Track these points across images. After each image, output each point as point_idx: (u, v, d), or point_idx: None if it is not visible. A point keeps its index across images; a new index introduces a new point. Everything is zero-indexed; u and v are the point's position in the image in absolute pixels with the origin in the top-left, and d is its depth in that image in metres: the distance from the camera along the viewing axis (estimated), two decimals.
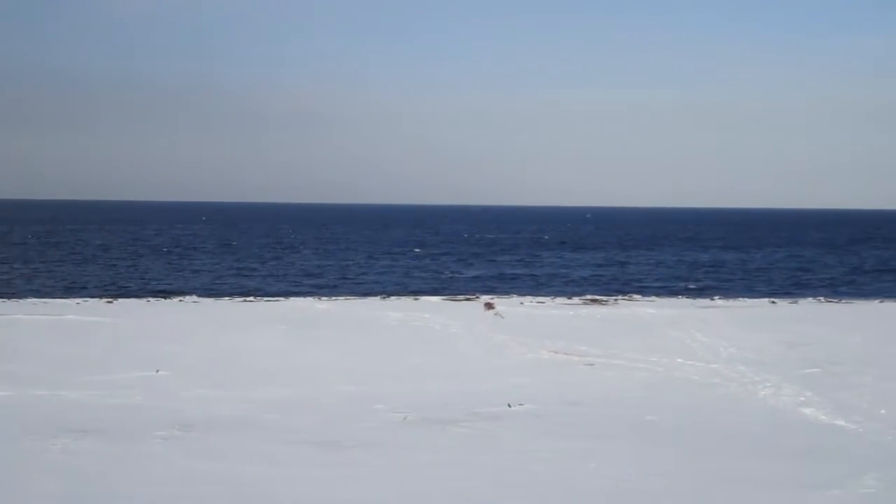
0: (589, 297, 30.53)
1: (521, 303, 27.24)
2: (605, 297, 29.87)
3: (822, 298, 33.26)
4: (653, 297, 31.65)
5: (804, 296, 35.57)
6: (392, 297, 29.79)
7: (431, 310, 24.52)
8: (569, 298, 29.83)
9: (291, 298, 29.36)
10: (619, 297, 30.75)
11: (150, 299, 29.21)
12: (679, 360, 17.88)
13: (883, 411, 13.71)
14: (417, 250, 74.39)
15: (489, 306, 25.43)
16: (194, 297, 29.51)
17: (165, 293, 34.83)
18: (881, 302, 32.34)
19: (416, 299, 28.47)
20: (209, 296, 32.03)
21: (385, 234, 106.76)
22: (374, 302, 27.52)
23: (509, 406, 13.81)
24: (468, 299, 28.10)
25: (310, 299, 28.98)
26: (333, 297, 29.81)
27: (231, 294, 33.74)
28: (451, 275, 51.53)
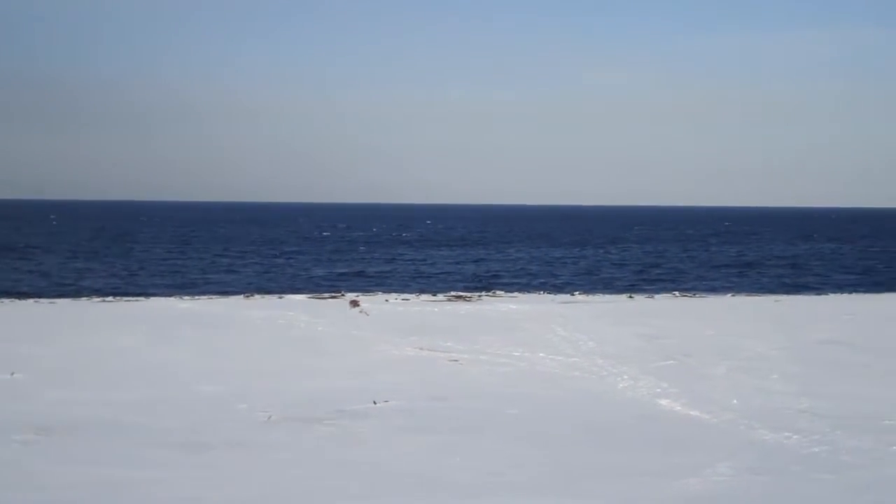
0: (453, 293, 30.83)
1: (387, 300, 27.32)
2: (468, 294, 30.20)
3: (676, 293, 34.32)
4: (515, 293, 32.15)
5: (660, 290, 36.61)
6: (256, 296, 29.51)
7: (296, 308, 24.39)
8: (433, 295, 30.06)
9: (152, 298, 28.81)
10: (483, 293, 31.14)
11: (4, 300, 28.21)
12: (541, 354, 18.22)
13: (735, 401, 14.24)
14: (294, 248, 73.78)
15: (354, 304, 25.44)
16: (50, 299, 28.67)
17: (21, 294, 33.65)
18: (733, 296, 33.57)
19: (280, 297, 28.28)
20: (65, 296, 31.13)
21: (252, 232, 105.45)
22: (238, 301, 27.23)
23: (375, 403, 13.86)
24: (333, 297, 28.05)
25: (171, 299, 28.49)
26: (195, 297, 29.35)
27: (89, 294, 32.84)
28: (311, 274, 51.26)
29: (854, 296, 34.42)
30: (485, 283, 43.77)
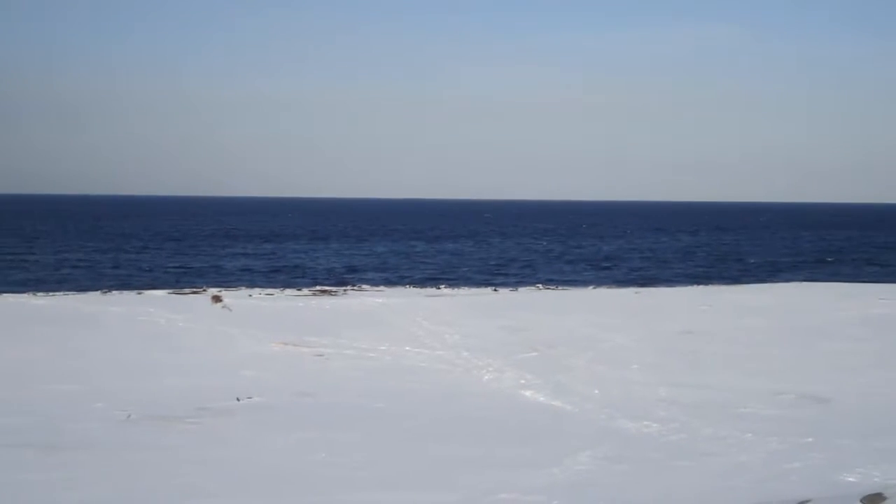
0: (318, 287, 30.58)
1: (250, 295, 26.89)
2: (333, 288, 29.99)
3: (539, 286, 34.77)
4: (381, 287, 32.08)
5: (521, 283, 37.06)
6: (114, 292, 28.70)
7: (156, 304, 23.80)
8: (298, 290, 29.76)
9: (3, 295, 27.76)
10: (349, 287, 30.98)
11: None
12: (407, 347, 18.22)
13: (596, 391, 14.49)
14: (149, 244, 72.07)
15: (217, 299, 24.96)
16: None
17: None
18: (594, 288, 34.19)
19: (139, 293, 27.56)
20: None
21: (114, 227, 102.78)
22: (95, 297, 26.42)
23: (238, 400, 13.63)
24: (195, 292, 27.47)
25: (24, 295, 27.49)
26: (50, 293, 28.39)
27: None
28: (168, 268, 50.23)
29: (710, 287, 35.45)
30: (347, 277, 43.62)
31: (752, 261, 61.00)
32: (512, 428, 12.27)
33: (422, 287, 33.27)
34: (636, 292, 30.71)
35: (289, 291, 28.75)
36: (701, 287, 35.99)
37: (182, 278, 42.55)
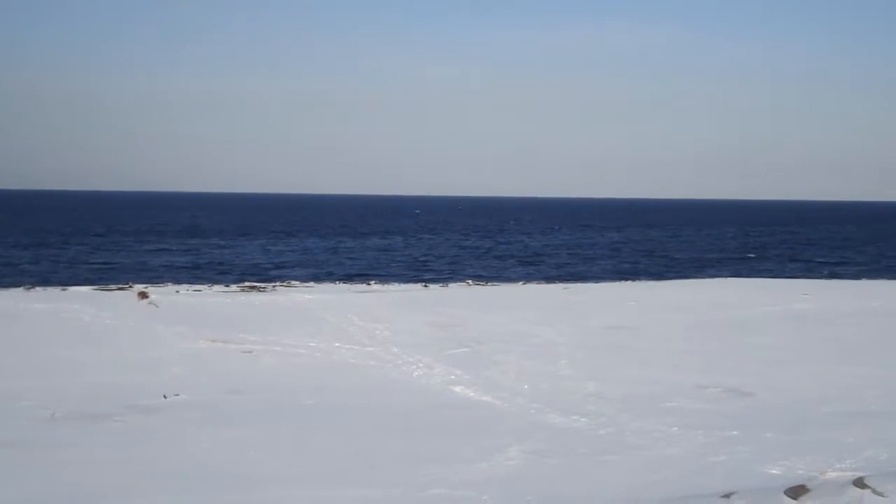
0: (247, 283, 30.34)
1: (177, 291, 26.61)
2: (263, 284, 29.78)
3: (469, 281, 34.90)
4: (311, 283, 31.94)
5: (447, 279, 37.17)
6: (38, 288, 28.17)
7: (81, 300, 23.41)
8: (226, 286, 29.51)
9: None
10: (278, 283, 30.78)
11: None
12: (337, 344, 18.17)
13: (526, 387, 14.60)
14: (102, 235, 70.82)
15: (143, 295, 24.64)
16: None
17: None
18: (524, 284, 34.41)
19: (63, 290, 27.09)
20: None
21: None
22: (17, 293, 25.92)
23: (165, 397, 13.48)
24: (121, 289, 27.08)
25: None
26: None
27: None
28: (92, 265, 49.47)
29: (637, 283, 35.88)
30: (273, 273, 43.30)
31: (678, 256, 61.85)
32: (442, 423, 12.30)
33: (351, 283, 33.19)
34: (565, 288, 30.96)
35: (217, 288, 28.48)
36: (628, 283, 36.44)
37: (105, 274, 41.92)
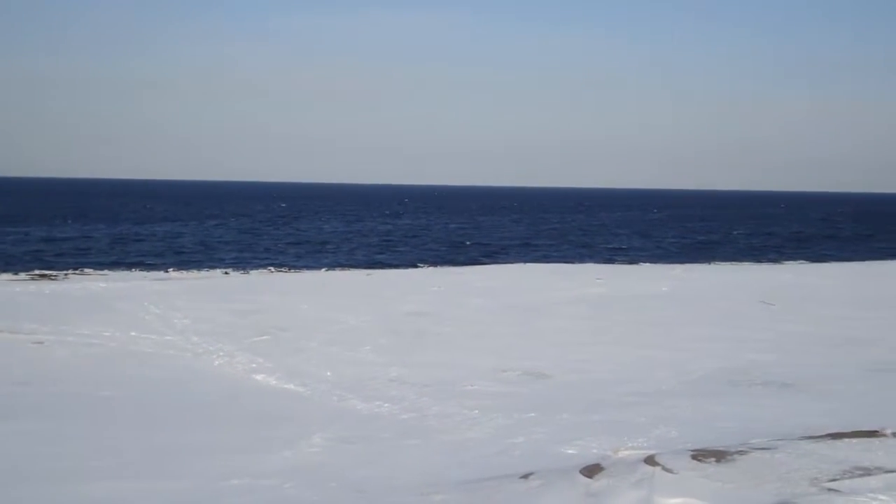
0: (37, 271, 29.10)
1: None
2: (54, 272, 28.63)
3: (272, 268, 34.53)
4: (105, 271, 30.92)
5: (258, 265, 36.67)
6: None
7: None
8: (15, 274, 28.21)
9: None
10: (70, 270, 29.64)
11: None
12: (133, 333, 17.65)
13: (328, 373, 14.56)
14: None
15: None
16: None
17: None
18: (326, 271, 34.30)
19: None
20: None
21: None
22: None
23: None
24: None
25: None
26: None
27: None
28: None
29: (439, 269, 36.35)
30: (53, 261, 41.46)
31: (469, 243, 62.80)
32: (243, 412, 12.14)
33: (148, 270, 32.30)
34: (367, 274, 31.05)
35: (5, 276, 27.20)
36: (430, 268, 36.87)
37: None
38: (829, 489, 7.69)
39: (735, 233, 79.74)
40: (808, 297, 25.29)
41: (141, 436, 10.85)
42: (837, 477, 8.07)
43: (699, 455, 8.92)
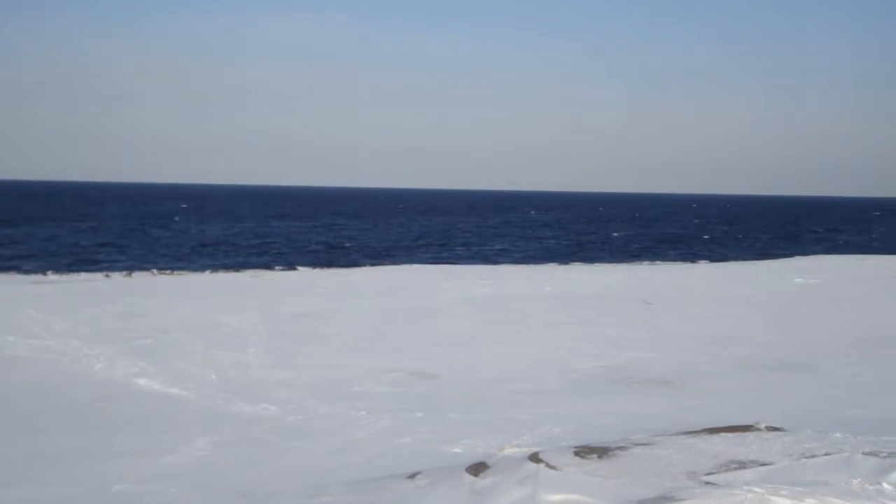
0: None
1: None
2: None
3: (155, 271, 33.93)
4: None
5: (140, 268, 35.99)
6: None
7: None
8: None
9: None
10: None
11: None
12: (11, 338, 17.18)
13: (213, 377, 14.41)
14: None
15: None
16: None
17: None
18: (211, 273, 33.85)
19: None
20: None
21: None
22: None
23: None
24: None
25: None
26: None
27: None
28: None
29: (325, 270, 36.22)
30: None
31: (349, 245, 62.58)
32: (126, 417, 11.93)
33: (25, 274, 31.44)
34: (253, 276, 30.78)
35: None
36: (316, 270, 36.72)
37: None
38: (706, 482, 7.95)
39: (615, 234, 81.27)
40: (685, 296, 26.00)
41: (20, 442, 10.59)
42: (714, 470, 8.36)
43: (581, 451, 9.13)
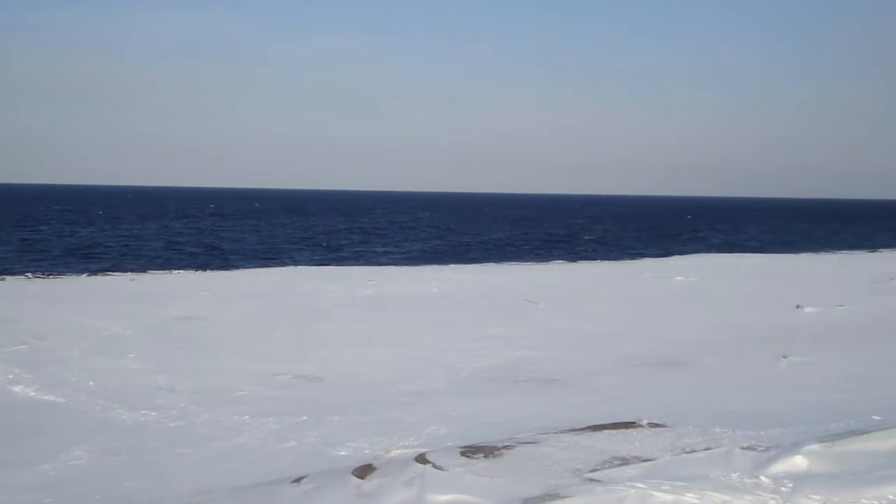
0: None
1: None
2: None
3: (29, 274, 32.93)
4: None
5: (9, 272, 34.90)
6: None
7: None
8: None
9: None
10: None
11: None
12: None
13: (91, 383, 14.02)
14: None
15: None
16: None
17: None
18: (88, 276, 33.00)
19: None
20: None
21: None
22: None
23: None
24: None
25: None
26: None
27: None
28: None
29: (207, 273, 35.64)
30: None
31: (226, 247, 61.73)
32: (0, 426, 11.53)
33: None
34: (132, 279, 30.11)
35: None
36: (199, 272, 36.13)
37: None
38: (590, 479, 8.04)
39: (499, 235, 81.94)
40: (569, 295, 26.35)
41: None
42: (598, 467, 8.45)
43: (468, 451, 9.15)
